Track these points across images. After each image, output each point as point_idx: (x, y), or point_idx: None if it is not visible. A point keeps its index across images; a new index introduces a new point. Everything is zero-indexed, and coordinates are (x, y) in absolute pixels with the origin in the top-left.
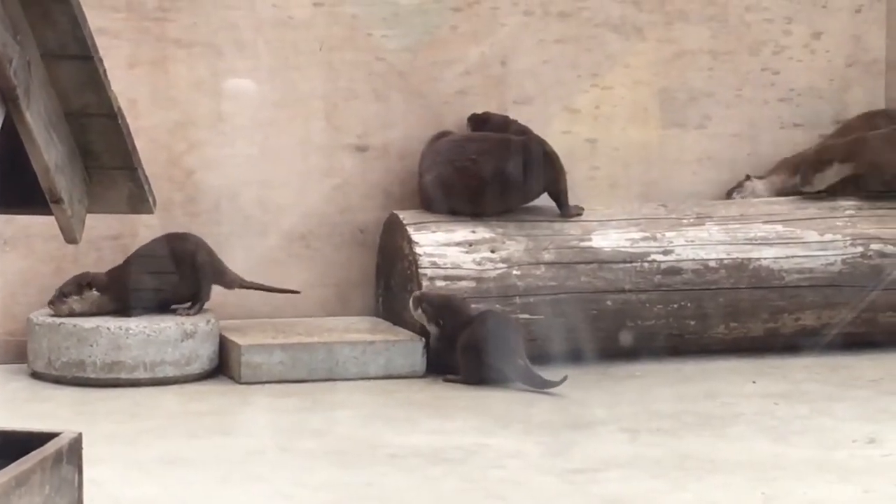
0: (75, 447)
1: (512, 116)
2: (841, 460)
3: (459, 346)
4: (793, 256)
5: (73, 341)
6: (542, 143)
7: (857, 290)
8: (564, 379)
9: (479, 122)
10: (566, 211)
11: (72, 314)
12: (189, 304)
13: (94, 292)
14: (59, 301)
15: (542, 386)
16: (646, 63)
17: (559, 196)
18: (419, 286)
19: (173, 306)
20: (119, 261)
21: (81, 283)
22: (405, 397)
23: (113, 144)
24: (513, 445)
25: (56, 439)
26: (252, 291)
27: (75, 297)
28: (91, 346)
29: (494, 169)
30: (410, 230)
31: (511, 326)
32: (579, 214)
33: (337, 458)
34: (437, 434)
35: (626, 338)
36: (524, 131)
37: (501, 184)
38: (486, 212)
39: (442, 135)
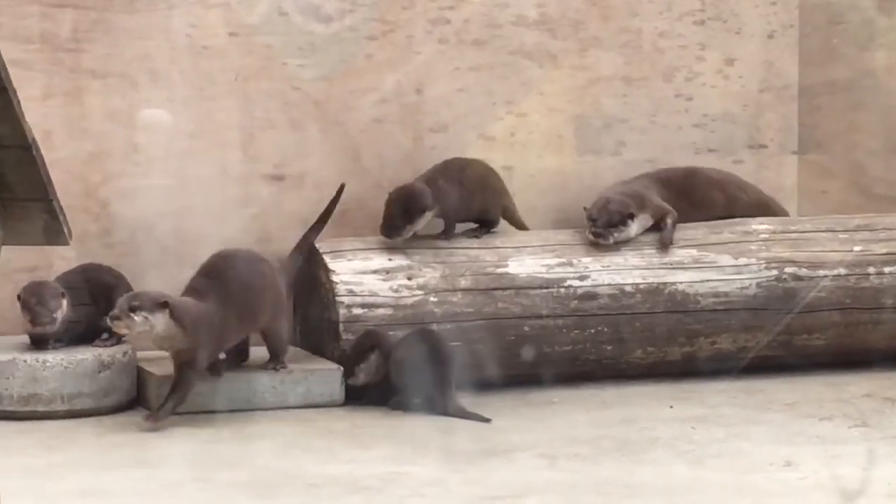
0: None
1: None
2: (758, 483)
3: (389, 369)
4: (708, 280)
5: None
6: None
7: (772, 314)
8: (488, 420)
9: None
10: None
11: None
12: (107, 335)
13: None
14: (50, 318)
15: (465, 418)
16: (560, 90)
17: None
18: (336, 314)
19: (96, 342)
20: None
21: (57, 293)
22: (324, 426)
23: (28, 176)
24: (431, 473)
25: None
26: None
27: (60, 311)
28: (7, 378)
29: None
30: (327, 259)
31: (442, 350)
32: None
33: (255, 489)
34: (355, 463)
35: (543, 364)
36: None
37: None
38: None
39: None
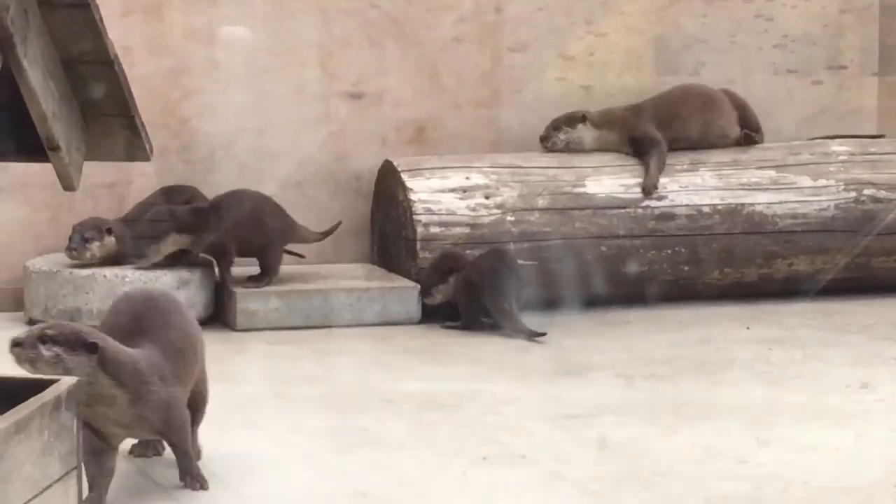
0: (73, 394)
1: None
2: (835, 405)
3: (458, 287)
4: (786, 202)
5: (69, 289)
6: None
7: (850, 236)
8: (543, 334)
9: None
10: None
11: (92, 260)
12: None
13: (112, 238)
14: (81, 247)
15: (521, 333)
16: (640, 10)
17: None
18: (414, 232)
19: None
20: (115, 208)
21: (101, 228)
22: (400, 344)
23: (110, 92)
24: (508, 391)
25: (54, 386)
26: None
27: (97, 244)
28: (87, 293)
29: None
30: (405, 177)
31: (510, 267)
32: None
33: (333, 404)
34: (432, 380)
35: (619, 284)
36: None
37: None
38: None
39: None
